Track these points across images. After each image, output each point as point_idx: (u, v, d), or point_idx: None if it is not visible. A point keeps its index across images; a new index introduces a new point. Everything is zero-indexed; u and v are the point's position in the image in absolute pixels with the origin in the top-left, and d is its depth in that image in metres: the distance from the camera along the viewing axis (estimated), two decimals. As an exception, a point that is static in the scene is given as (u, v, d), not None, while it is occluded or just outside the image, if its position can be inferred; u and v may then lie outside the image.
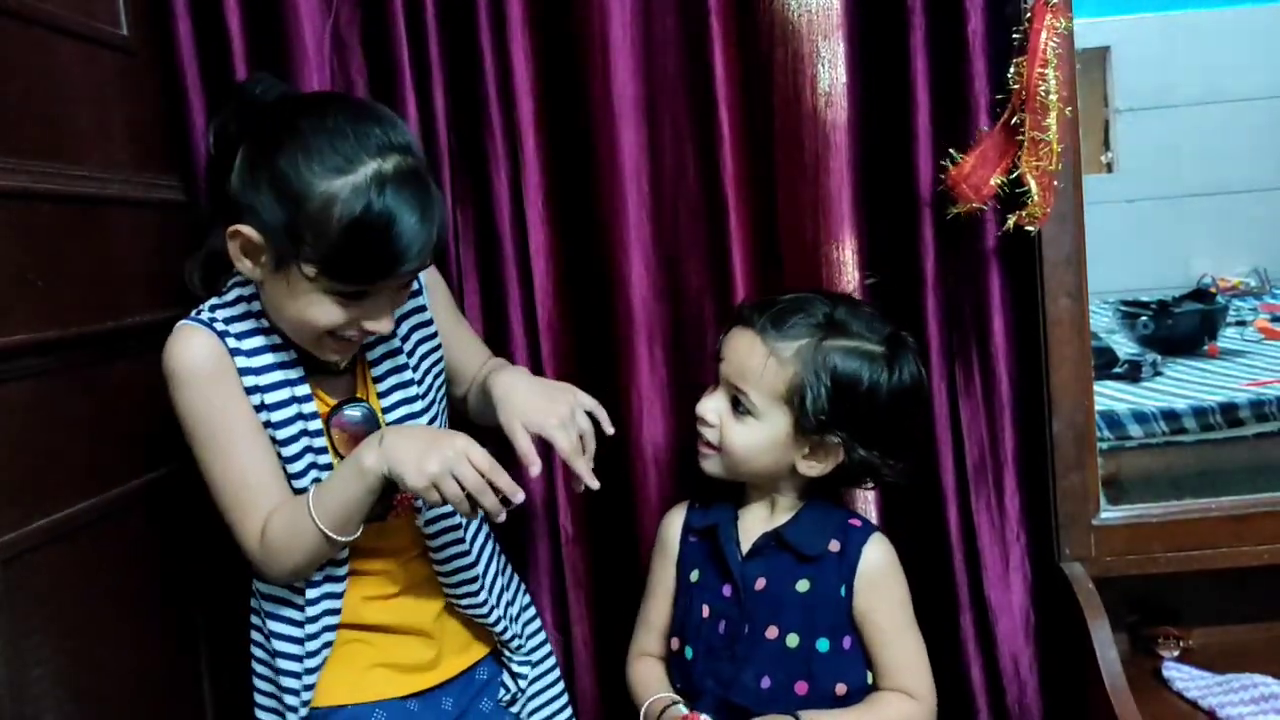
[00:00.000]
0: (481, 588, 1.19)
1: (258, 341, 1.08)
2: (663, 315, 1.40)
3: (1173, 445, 1.72)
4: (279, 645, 1.13)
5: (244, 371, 1.06)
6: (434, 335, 1.21)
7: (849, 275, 1.37)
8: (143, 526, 1.21)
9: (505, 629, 1.23)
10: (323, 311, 1.02)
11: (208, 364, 1.06)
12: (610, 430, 1.17)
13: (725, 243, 1.36)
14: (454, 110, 1.37)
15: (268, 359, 1.08)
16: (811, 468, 1.16)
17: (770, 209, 1.38)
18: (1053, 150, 1.22)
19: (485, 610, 1.20)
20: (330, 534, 1.04)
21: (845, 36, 1.34)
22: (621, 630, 1.32)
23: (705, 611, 1.20)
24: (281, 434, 1.08)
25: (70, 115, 1.18)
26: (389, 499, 1.11)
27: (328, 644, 1.13)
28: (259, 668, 1.17)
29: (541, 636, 1.33)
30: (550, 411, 1.11)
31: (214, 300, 1.11)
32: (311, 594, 1.12)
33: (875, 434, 1.14)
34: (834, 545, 1.17)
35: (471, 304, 1.40)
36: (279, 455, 1.08)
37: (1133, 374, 2.05)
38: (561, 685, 1.33)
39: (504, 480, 1.02)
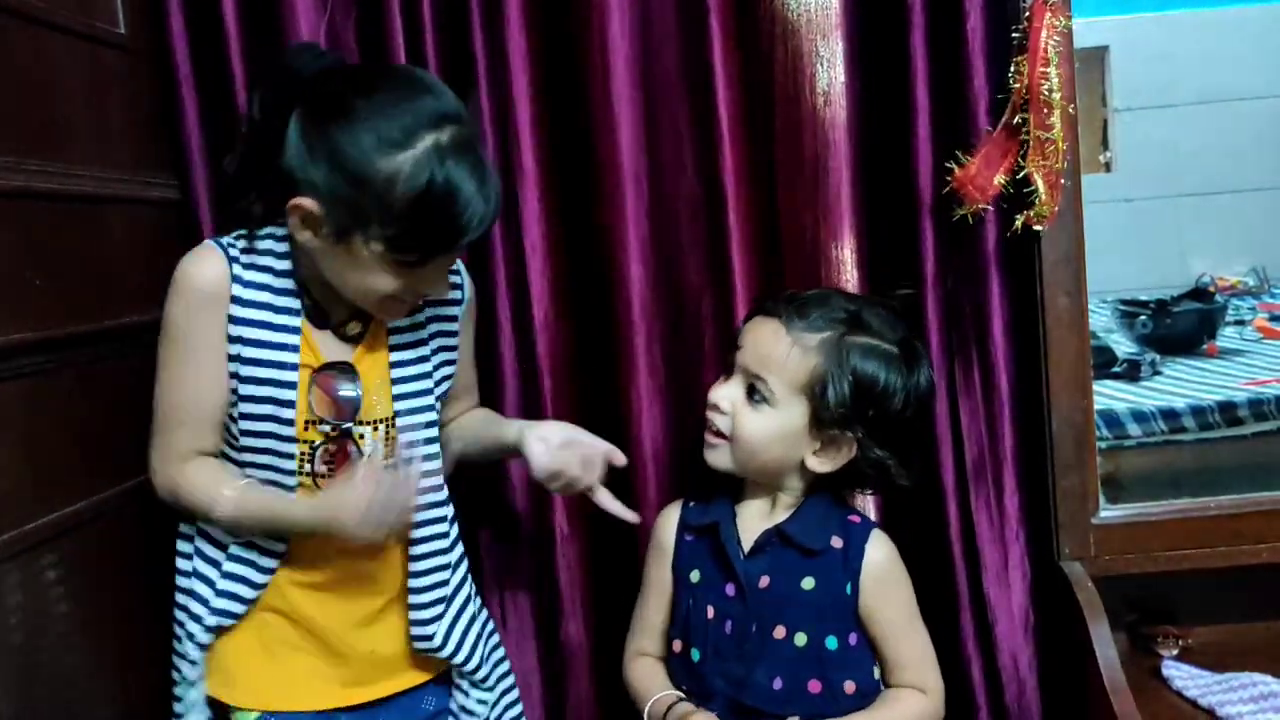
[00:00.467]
0: (449, 585, 1.17)
1: (264, 279, 1.09)
2: (661, 314, 1.40)
3: (1171, 444, 1.71)
4: (199, 567, 1.13)
5: (234, 301, 1.07)
6: (454, 349, 1.22)
7: (848, 274, 1.37)
8: (140, 526, 1.21)
9: (466, 659, 1.19)
10: (384, 280, 1.04)
11: (208, 285, 1.07)
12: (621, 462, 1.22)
13: (725, 242, 1.36)
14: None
15: (265, 297, 1.08)
16: (821, 464, 1.16)
17: (770, 208, 1.38)
18: (1058, 149, 1.22)
19: (436, 616, 1.16)
20: (229, 523, 1.08)
21: (844, 35, 1.34)
22: (619, 631, 1.32)
23: (710, 612, 1.19)
24: (245, 371, 1.07)
25: (68, 113, 1.18)
26: (332, 462, 1.11)
27: (240, 601, 1.12)
28: (180, 579, 1.16)
29: (506, 666, 1.29)
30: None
31: (243, 232, 1.11)
32: (235, 549, 1.12)
33: (889, 434, 1.15)
34: (836, 541, 1.17)
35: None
36: (240, 395, 1.08)
37: (1131, 373, 2.04)
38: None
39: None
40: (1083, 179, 1.32)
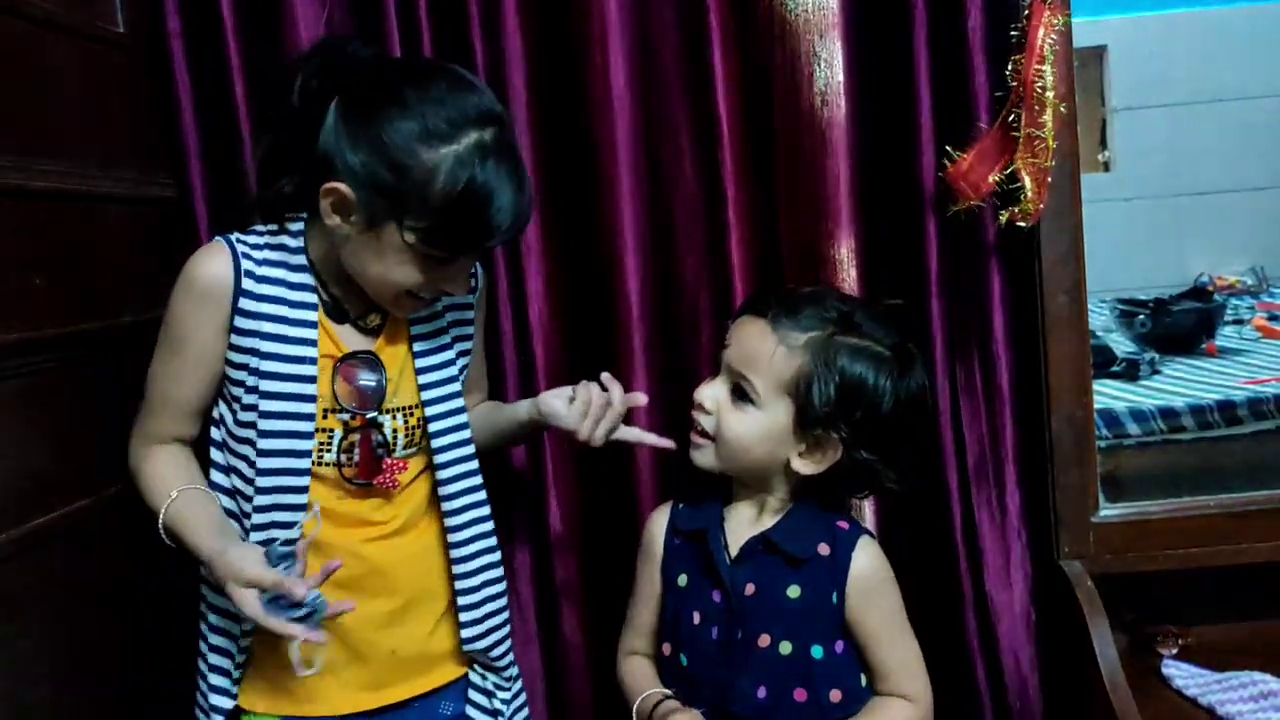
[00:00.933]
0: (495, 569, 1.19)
1: (278, 273, 1.10)
2: (659, 314, 1.40)
3: (1171, 443, 1.71)
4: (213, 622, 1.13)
5: (245, 295, 1.07)
6: (470, 337, 1.22)
7: (847, 274, 1.37)
8: (137, 526, 1.21)
9: (494, 643, 1.19)
10: (406, 273, 1.04)
11: (211, 283, 1.07)
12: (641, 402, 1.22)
13: (723, 241, 1.36)
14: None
15: (279, 291, 1.09)
16: (806, 465, 1.14)
17: (768, 207, 1.38)
18: (1048, 147, 1.22)
19: (486, 607, 1.18)
20: (168, 524, 1.08)
21: (842, 35, 1.34)
22: (616, 631, 1.31)
23: (696, 618, 1.17)
24: (265, 366, 1.08)
25: (66, 112, 1.18)
26: (377, 464, 1.12)
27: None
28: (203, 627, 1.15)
29: (516, 669, 1.28)
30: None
31: (259, 228, 1.12)
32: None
33: (877, 437, 1.12)
34: (823, 548, 1.15)
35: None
36: (259, 390, 1.08)
37: (1131, 372, 2.04)
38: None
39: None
40: (1081, 178, 1.32)
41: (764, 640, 1.14)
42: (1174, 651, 1.39)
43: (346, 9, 1.35)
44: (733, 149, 1.35)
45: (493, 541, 1.20)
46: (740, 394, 1.14)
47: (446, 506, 1.17)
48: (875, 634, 1.15)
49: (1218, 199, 3.25)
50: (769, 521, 1.17)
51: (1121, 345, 2.27)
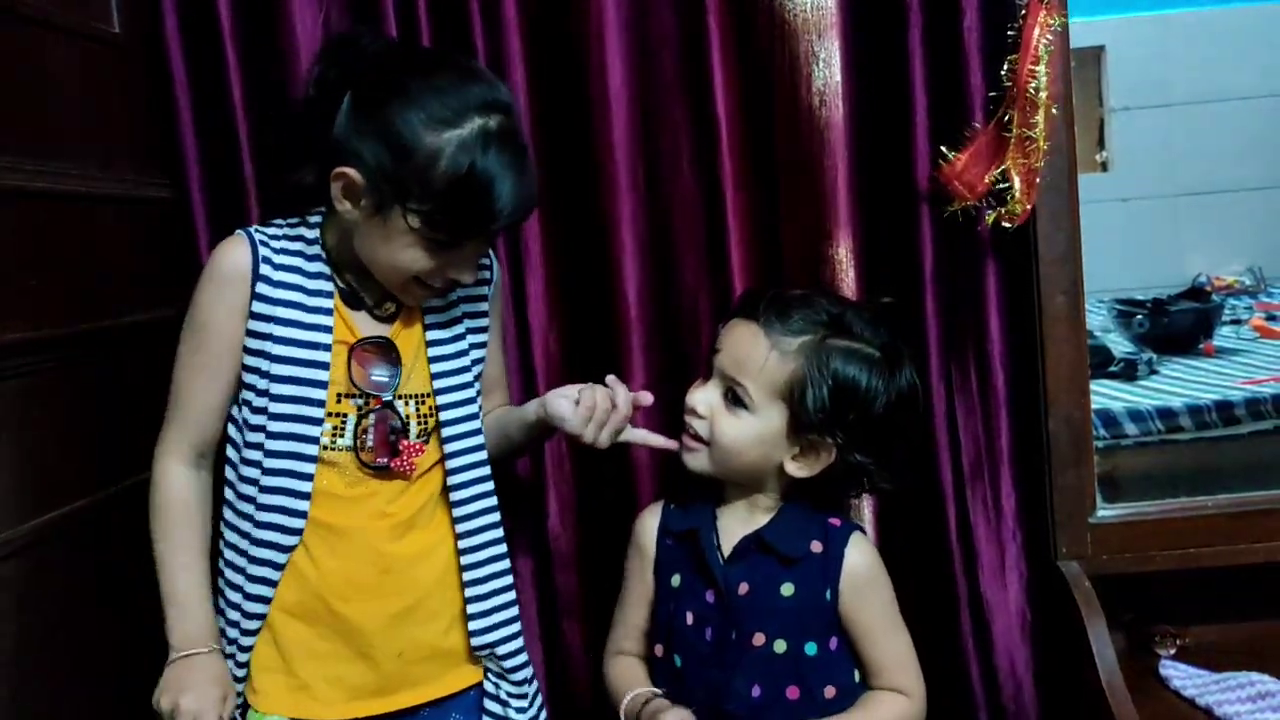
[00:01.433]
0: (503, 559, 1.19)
1: (295, 261, 1.12)
2: (658, 315, 1.39)
3: (1169, 443, 1.72)
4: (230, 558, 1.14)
5: (262, 280, 1.09)
6: (485, 330, 1.23)
7: (846, 274, 1.37)
8: (138, 526, 1.21)
9: (502, 639, 1.19)
10: (413, 258, 1.06)
11: (231, 269, 1.10)
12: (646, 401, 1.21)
13: (722, 242, 1.36)
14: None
15: (296, 278, 1.11)
16: (799, 468, 1.14)
17: (767, 208, 1.38)
18: (1039, 147, 1.22)
19: (496, 574, 1.18)
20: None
21: (840, 35, 1.34)
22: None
23: (689, 618, 1.17)
24: (278, 350, 1.09)
25: (61, 113, 1.18)
26: (394, 445, 1.13)
27: (273, 567, 1.12)
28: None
29: (529, 671, 1.26)
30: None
31: (279, 220, 1.15)
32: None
33: (870, 439, 1.12)
34: (815, 546, 1.15)
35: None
36: (271, 375, 1.09)
37: (1128, 372, 2.05)
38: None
39: None
40: (1079, 178, 1.32)
41: (758, 639, 1.14)
42: (1172, 652, 1.39)
43: (344, 9, 1.35)
44: (731, 149, 1.35)
45: (500, 534, 1.20)
46: (734, 399, 1.14)
47: (455, 496, 1.17)
48: (869, 629, 1.15)
49: (1216, 199, 3.25)
50: (761, 521, 1.17)
51: (1119, 345, 2.27)
